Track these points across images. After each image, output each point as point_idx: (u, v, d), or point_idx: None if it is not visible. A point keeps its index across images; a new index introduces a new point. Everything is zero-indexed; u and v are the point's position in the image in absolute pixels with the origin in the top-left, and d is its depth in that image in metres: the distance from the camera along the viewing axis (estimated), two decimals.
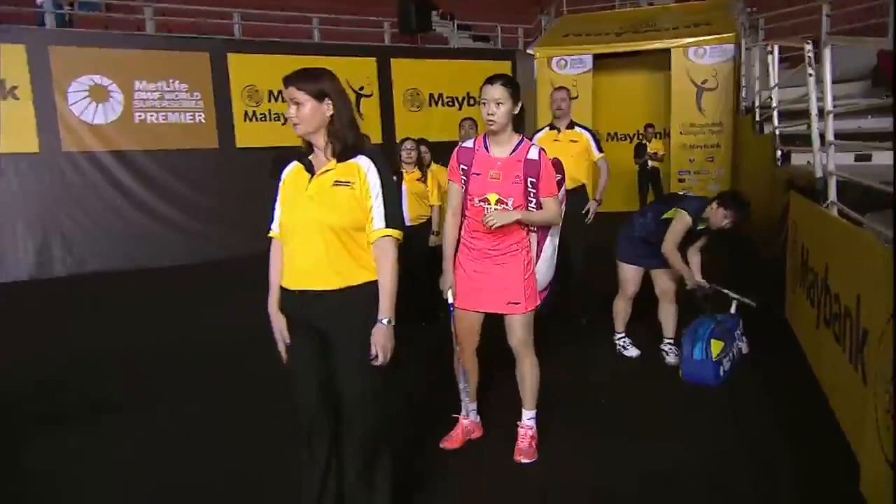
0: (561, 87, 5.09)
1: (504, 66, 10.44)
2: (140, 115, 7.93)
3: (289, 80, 2.14)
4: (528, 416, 3.01)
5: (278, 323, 2.23)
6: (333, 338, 2.16)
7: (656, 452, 2.99)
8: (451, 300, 2.92)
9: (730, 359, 3.88)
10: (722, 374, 3.79)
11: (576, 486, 2.75)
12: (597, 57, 10.31)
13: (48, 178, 7.49)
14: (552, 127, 4.98)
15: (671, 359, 4.09)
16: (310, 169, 2.20)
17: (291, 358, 2.24)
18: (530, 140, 2.87)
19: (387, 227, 2.14)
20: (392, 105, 9.57)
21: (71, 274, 7.52)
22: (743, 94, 8.77)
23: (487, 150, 2.81)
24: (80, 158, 7.65)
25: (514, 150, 2.78)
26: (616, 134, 11.42)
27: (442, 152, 5.34)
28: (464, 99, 10.15)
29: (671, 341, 4.15)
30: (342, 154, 2.16)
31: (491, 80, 2.72)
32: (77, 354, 4.69)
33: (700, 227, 3.86)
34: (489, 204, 2.76)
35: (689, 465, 2.90)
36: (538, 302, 2.93)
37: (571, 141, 4.86)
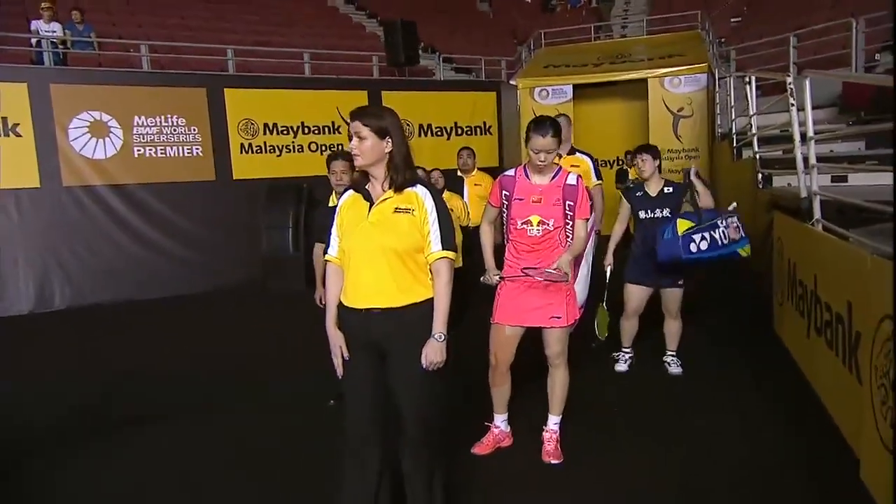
0: (561, 115, 5.17)
1: (490, 97, 10.86)
2: (139, 150, 8.07)
3: (355, 115, 2.32)
4: (553, 422, 3.26)
5: (337, 340, 2.39)
6: (394, 350, 2.33)
7: (665, 457, 3.22)
8: (495, 281, 3.15)
9: (708, 241, 3.96)
10: (695, 250, 3.92)
11: (593, 483, 2.99)
12: (577, 87, 10.76)
13: (48, 212, 7.57)
14: None
15: (674, 369, 4.36)
16: (367, 198, 2.37)
17: (348, 373, 2.39)
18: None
19: (443, 248, 2.34)
20: None
21: (70, 306, 7.57)
22: (718, 121, 9.24)
23: (528, 178, 3.11)
24: (80, 193, 7.75)
25: (553, 177, 3.09)
26: (597, 160, 11.82)
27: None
28: (451, 129, 10.48)
29: (673, 353, 4.44)
30: (399, 186, 2.34)
31: (541, 134, 2.97)
32: (77, 386, 4.73)
33: (639, 193, 4.37)
34: (531, 225, 3.05)
35: (694, 468, 3.12)
36: (577, 317, 3.18)
37: (572, 166, 4.77)
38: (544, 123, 3.01)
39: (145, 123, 8.08)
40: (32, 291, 7.49)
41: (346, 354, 2.37)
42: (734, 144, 7.55)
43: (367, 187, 2.41)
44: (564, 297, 3.08)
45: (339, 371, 2.40)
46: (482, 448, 3.29)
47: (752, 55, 9.80)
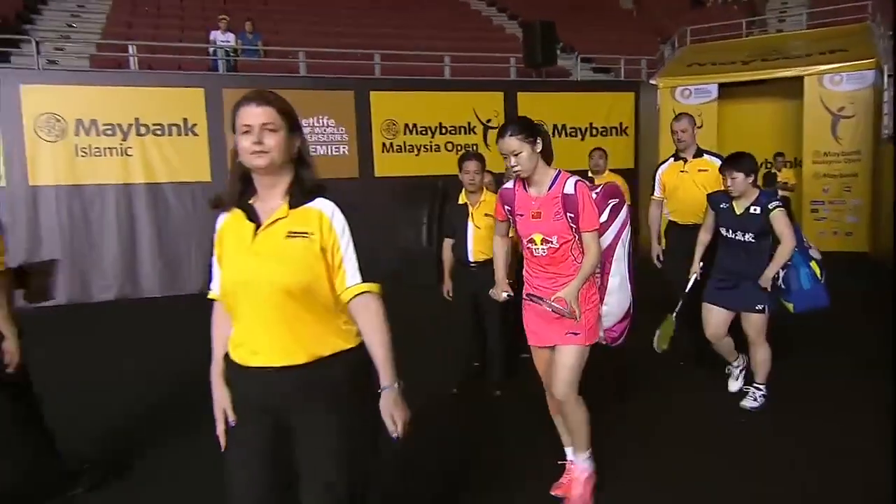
0: (681, 116, 4.66)
1: (628, 98, 10.67)
2: None
3: (262, 100, 1.72)
4: (579, 458, 2.91)
5: (221, 400, 1.83)
6: (299, 424, 1.77)
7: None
8: (502, 298, 3.03)
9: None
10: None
11: None
12: (722, 86, 10.28)
13: None
14: (677, 157, 4.67)
15: (748, 402, 3.92)
16: (252, 216, 1.77)
17: (232, 444, 1.84)
18: (569, 172, 2.72)
19: (363, 281, 1.78)
20: None
21: None
22: (884, 122, 8.45)
23: (526, 190, 2.72)
24: None
25: (550, 187, 2.67)
26: None
27: None
28: (587, 129, 10.42)
29: (760, 386, 3.94)
30: (301, 198, 1.77)
31: (501, 134, 2.62)
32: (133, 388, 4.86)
33: (724, 205, 3.82)
34: (535, 244, 2.71)
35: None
36: (598, 336, 2.83)
37: (700, 170, 4.52)
38: (506, 123, 2.67)
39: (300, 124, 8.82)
40: (201, 274, 8.46)
41: (231, 419, 1.82)
42: None
43: (251, 201, 1.80)
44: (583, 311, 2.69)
45: (222, 440, 1.85)
46: (561, 489, 2.93)
47: None
